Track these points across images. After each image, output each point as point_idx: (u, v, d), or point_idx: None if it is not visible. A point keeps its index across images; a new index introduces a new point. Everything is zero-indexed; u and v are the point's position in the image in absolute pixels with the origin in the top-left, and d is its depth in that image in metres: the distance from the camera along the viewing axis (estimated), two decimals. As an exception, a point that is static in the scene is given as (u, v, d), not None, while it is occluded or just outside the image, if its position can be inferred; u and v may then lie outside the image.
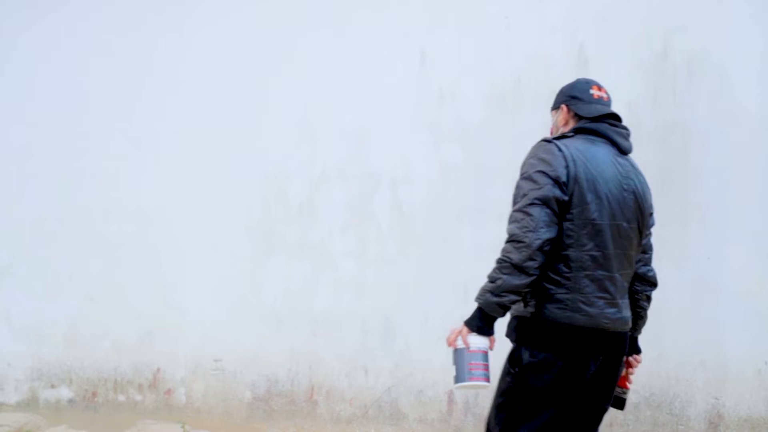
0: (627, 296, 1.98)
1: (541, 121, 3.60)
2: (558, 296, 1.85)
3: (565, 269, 1.85)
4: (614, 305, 1.88)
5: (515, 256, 1.80)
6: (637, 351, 2.16)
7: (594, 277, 1.85)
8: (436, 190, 3.53)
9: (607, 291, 1.87)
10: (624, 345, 1.97)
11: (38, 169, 3.75)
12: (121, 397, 3.68)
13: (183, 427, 3.52)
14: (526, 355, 1.88)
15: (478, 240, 3.34)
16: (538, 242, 1.79)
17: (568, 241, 1.85)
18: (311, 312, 3.60)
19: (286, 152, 3.65)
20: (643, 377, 3.53)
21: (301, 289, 3.61)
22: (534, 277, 1.81)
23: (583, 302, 1.84)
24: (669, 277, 3.53)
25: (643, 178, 2.04)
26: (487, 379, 1.88)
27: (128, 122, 3.73)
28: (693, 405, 3.53)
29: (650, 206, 2.05)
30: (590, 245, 1.85)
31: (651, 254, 2.12)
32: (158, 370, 3.68)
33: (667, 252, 3.55)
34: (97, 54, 3.76)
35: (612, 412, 3.53)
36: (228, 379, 3.63)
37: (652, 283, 2.11)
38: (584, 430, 2.00)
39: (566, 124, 2.04)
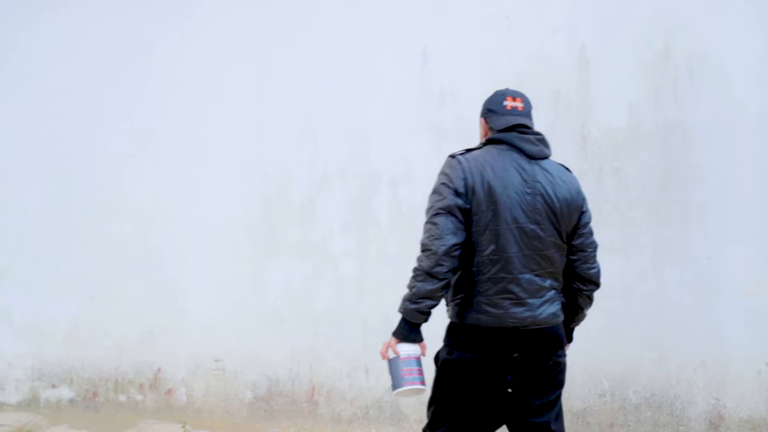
0: (547, 293, 2.03)
1: (542, 122, 3.58)
2: (468, 299, 2.00)
3: (471, 274, 2.00)
4: (521, 305, 1.98)
5: (425, 264, 1.95)
6: (569, 340, 2.24)
7: (495, 279, 1.97)
8: (437, 190, 3.52)
9: (510, 292, 1.97)
10: (549, 340, 2.03)
11: (39, 169, 3.74)
12: (122, 397, 3.68)
13: (184, 427, 3.51)
14: (444, 353, 2.06)
15: (478, 240, 3.33)
16: (443, 248, 1.93)
17: (472, 248, 1.99)
18: (312, 312, 3.59)
19: (286, 152, 3.65)
20: (643, 378, 3.54)
21: (302, 288, 3.61)
22: (445, 281, 1.95)
23: (486, 304, 1.98)
24: (669, 278, 3.55)
25: (559, 179, 2.07)
26: (423, 383, 1.98)
27: (129, 122, 3.72)
28: (694, 406, 3.53)
29: (572, 206, 2.07)
30: (489, 250, 1.97)
31: (591, 252, 2.13)
32: (159, 370, 3.67)
33: (668, 252, 3.56)
34: (97, 54, 3.75)
35: (613, 413, 3.54)
36: (229, 379, 3.63)
37: (592, 282, 2.14)
38: (534, 421, 2.06)
39: (486, 135, 2.17)
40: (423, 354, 2.03)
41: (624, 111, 3.59)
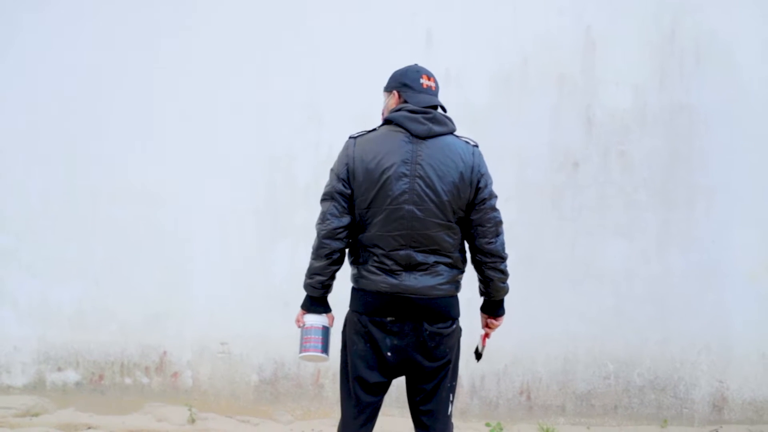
0: (431, 268, 2.11)
1: (547, 103, 3.61)
2: (357, 268, 2.18)
3: (358, 248, 2.17)
4: (394, 274, 2.11)
5: (314, 244, 2.17)
6: (493, 314, 2.28)
7: (372, 253, 2.13)
8: (442, 173, 3.51)
9: (384, 264, 2.12)
10: (424, 310, 2.11)
11: (43, 153, 3.72)
12: (128, 380, 3.69)
13: (190, 409, 3.52)
14: (347, 313, 2.24)
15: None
16: (323, 232, 2.14)
17: (358, 225, 2.15)
18: (317, 295, 3.59)
19: (292, 134, 3.64)
20: (647, 361, 3.56)
21: (307, 272, 3.60)
22: (330, 260, 2.14)
23: (367, 271, 2.14)
24: (674, 261, 3.56)
25: (447, 159, 2.08)
26: (319, 351, 2.18)
27: (135, 105, 3.69)
28: (697, 388, 3.55)
29: (461, 185, 2.09)
30: (370, 227, 2.12)
31: (489, 227, 2.15)
32: (165, 353, 3.68)
33: (673, 236, 3.57)
34: (104, 35, 3.71)
35: (617, 395, 3.55)
36: (235, 362, 3.64)
37: (491, 254, 2.16)
38: (416, 386, 2.20)
39: (394, 106, 2.20)
40: (330, 325, 2.23)
41: (629, 93, 3.58)
